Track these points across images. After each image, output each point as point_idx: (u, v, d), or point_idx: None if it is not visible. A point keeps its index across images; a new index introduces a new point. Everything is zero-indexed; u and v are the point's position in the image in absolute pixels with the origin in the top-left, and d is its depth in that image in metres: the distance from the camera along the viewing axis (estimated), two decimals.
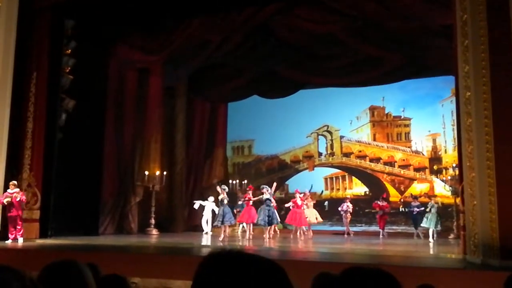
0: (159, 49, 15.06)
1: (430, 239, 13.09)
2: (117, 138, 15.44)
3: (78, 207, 13.01)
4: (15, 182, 11.18)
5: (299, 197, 14.27)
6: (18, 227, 11.00)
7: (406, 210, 15.47)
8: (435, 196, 15.44)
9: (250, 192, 13.65)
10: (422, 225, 13.55)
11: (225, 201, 13.17)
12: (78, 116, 13.05)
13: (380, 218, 14.85)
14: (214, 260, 1.20)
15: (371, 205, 16.01)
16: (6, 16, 11.38)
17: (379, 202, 14.93)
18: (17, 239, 10.87)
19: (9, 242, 10.79)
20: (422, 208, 13.88)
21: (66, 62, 12.91)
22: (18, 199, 10.92)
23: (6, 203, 10.88)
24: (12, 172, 11.44)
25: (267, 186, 13.33)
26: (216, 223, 13.39)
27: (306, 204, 14.47)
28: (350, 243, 13.04)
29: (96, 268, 2.85)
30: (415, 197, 15.11)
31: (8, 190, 10.99)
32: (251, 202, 13.41)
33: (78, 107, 13.10)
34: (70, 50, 13.07)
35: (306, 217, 14.24)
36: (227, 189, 13.62)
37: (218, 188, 13.71)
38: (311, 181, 18.15)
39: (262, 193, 13.14)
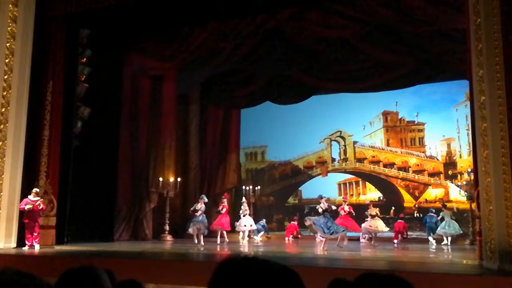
0: (172, 56, 15.18)
1: (446, 242, 13.11)
2: (131, 145, 15.57)
3: (93, 213, 13.13)
4: (38, 190, 11.31)
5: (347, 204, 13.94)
6: (35, 234, 11.12)
7: (421, 215, 15.24)
8: (445, 204, 15.14)
9: (225, 200, 14.28)
10: (437, 232, 13.52)
11: (200, 211, 13.35)
12: (93, 123, 13.20)
13: (396, 233, 14.55)
14: (229, 266, 1.22)
15: (385, 211, 15.89)
16: (22, 26, 11.57)
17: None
18: (34, 246, 10.98)
19: (26, 248, 10.91)
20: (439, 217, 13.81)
21: (81, 70, 13.10)
22: (40, 207, 11.06)
23: (27, 210, 11.01)
24: (29, 179, 11.58)
25: (325, 197, 12.89)
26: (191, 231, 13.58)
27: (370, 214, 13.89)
28: (364, 249, 12.95)
29: (112, 274, 2.88)
30: (431, 211, 14.72)
31: (30, 197, 11.12)
32: (223, 210, 13.83)
33: (93, 115, 13.25)
34: (85, 59, 13.26)
35: (370, 226, 13.64)
36: (205, 199, 13.79)
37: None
38: (325, 187, 18.11)
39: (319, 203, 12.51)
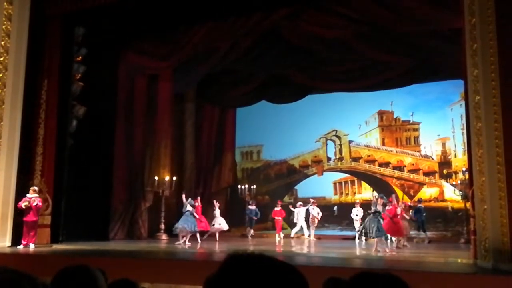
0: (169, 55, 15.15)
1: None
2: (127, 144, 15.53)
3: (88, 212, 13.08)
4: (36, 188, 11.27)
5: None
6: (32, 233, 11.06)
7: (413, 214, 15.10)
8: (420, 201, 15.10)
9: (198, 201, 14.43)
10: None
11: (188, 210, 13.33)
12: (88, 122, 13.15)
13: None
14: (235, 262, 1.22)
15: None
16: (17, 24, 11.51)
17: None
18: (29, 245, 10.94)
19: (21, 247, 10.86)
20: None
21: (76, 69, 13.03)
22: (35, 203, 11.00)
23: (24, 207, 10.96)
24: (24, 178, 11.53)
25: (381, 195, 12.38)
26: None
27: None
28: (359, 248, 12.97)
29: (104, 274, 2.87)
30: (419, 201, 14.81)
31: (28, 195, 11.08)
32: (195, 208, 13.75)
33: (88, 114, 13.20)
34: (80, 57, 13.19)
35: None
36: (192, 202, 13.80)
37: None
38: (320, 186, 18.13)
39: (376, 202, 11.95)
